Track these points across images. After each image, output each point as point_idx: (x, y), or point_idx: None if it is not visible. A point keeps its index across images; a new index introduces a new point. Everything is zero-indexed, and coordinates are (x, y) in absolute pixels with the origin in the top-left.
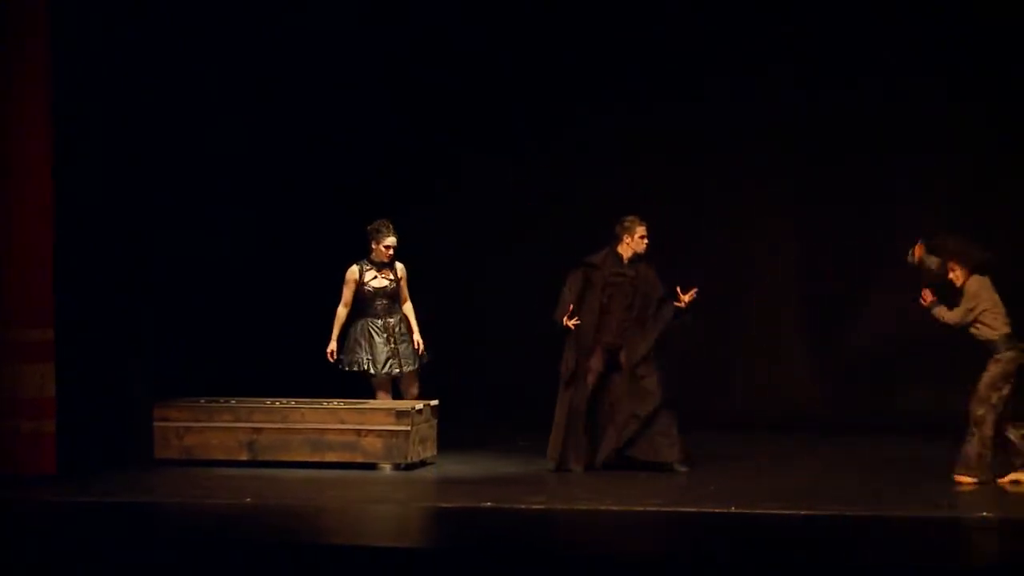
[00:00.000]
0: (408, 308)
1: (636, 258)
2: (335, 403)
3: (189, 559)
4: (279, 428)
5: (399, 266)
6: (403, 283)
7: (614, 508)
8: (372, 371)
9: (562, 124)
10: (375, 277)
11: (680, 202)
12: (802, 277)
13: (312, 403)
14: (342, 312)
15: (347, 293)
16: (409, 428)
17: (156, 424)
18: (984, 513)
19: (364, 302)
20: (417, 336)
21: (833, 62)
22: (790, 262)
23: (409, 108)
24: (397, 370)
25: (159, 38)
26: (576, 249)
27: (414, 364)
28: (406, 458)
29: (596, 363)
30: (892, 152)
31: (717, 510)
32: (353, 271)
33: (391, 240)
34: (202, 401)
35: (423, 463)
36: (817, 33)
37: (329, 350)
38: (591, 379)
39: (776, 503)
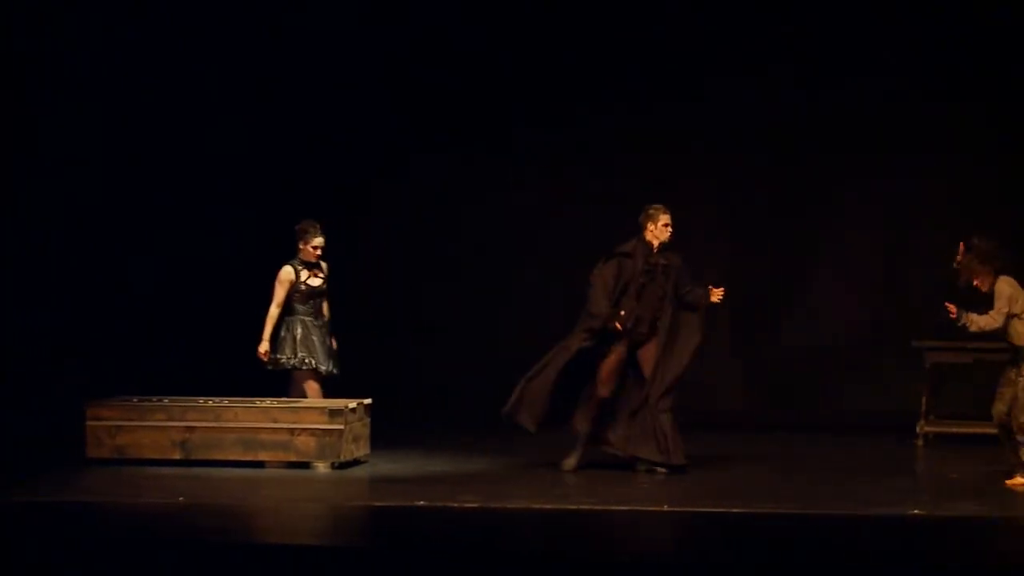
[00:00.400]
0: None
1: (663, 247)
2: (268, 402)
3: (121, 559)
4: (212, 427)
5: (325, 265)
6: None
7: (547, 507)
8: (319, 368)
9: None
10: (310, 276)
11: (608, 202)
12: (735, 279)
13: (245, 402)
14: (275, 312)
15: (282, 293)
16: (343, 427)
17: (88, 423)
18: (915, 511)
19: (298, 301)
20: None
21: (757, 64)
22: (723, 264)
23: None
24: (336, 369)
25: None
26: (511, 246)
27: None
28: (339, 457)
29: (621, 352)
30: (822, 152)
31: (651, 509)
32: (289, 271)
33: (319, 240)
34: (135, 400)
35: (356, 462)
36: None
37: (263, 350)
38: (615, 363)
39: (709, 501)
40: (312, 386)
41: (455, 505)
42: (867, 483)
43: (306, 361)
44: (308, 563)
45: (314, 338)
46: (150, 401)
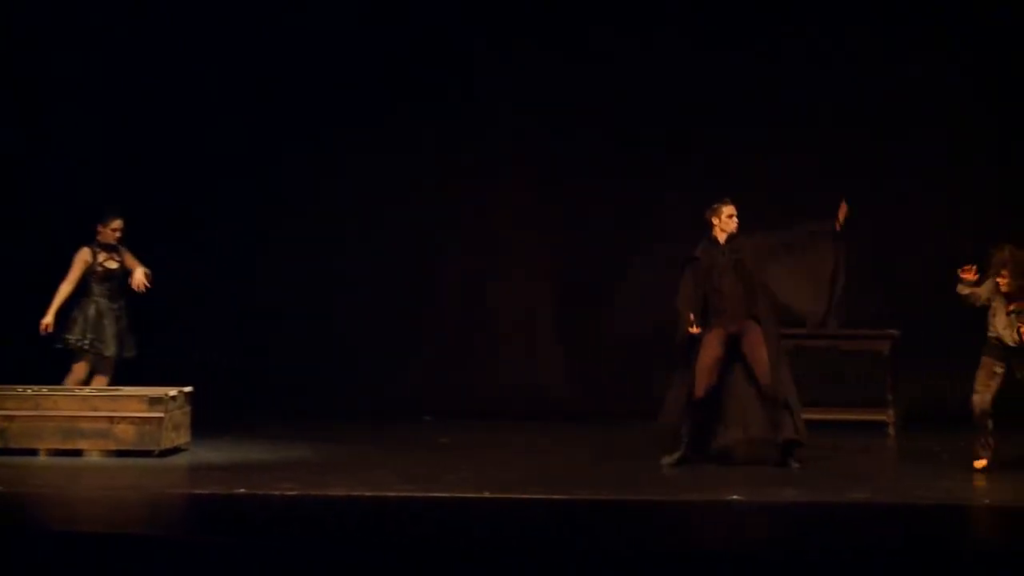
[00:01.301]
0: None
1: (731, 238)
2: (87, 390)
3: None
4: (31, 416)
5: (124, 250)
6: (132, 263)
7: (367, 494)
8: (106, 352)
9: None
10: (107, 259)
11: (431, 191)
12: (555, 270)
13: (64, 390)
14: (65, 289)
15: (75, 272)
16: (163, 415)
17: None
18: (735, 496)
19: (94, 283)
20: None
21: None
22: (544, 256)
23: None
24: (130, 353)
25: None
26: (335, 233)
27: (135, 350)
28: (159, 445)
29: (715, 350)
30: (645, 147)
31: (471, 496)
32: (85, 252)
33: (118, 223)
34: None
35: (177, 450)
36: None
37: (45, 323)
38: (709, 361)
39: (530, 488)
40: (80, 367)
41: (276, 493)
42: (688, 470)
43: (94, 344)
44: (128, 551)
45: (105, 321)
46: None
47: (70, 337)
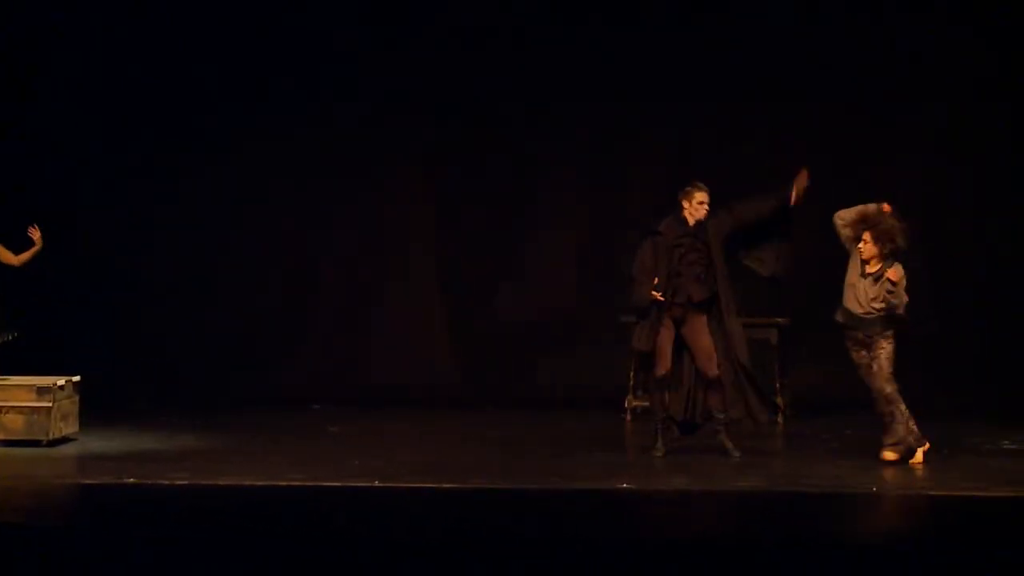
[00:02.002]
0: (19, 261)
1: (700, 223)
2: None
3: None
4: None
5: None
6: (1, 249)
7: (258, 483)
8: None
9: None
10: None
11: (325, 174)
12: (443, 256)
13: None
14: None
15: None
16: (51, 404)
17: None
18: (624, 484)
19: None
20: None
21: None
22: (430, 239)
23: None
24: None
25: None
26: (224, 218)
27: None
28: (48, 435)
29: (670, 330)
30: (535, 128)
31: (361, 484)
32: None
33: None
34: None
35: (65, 439)
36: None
37: None
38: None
39: (420, 477)
40: None
41: (165, 482)
42: (579, 459)
43: None
44: (15, 542)
45: None
46: None
47: None
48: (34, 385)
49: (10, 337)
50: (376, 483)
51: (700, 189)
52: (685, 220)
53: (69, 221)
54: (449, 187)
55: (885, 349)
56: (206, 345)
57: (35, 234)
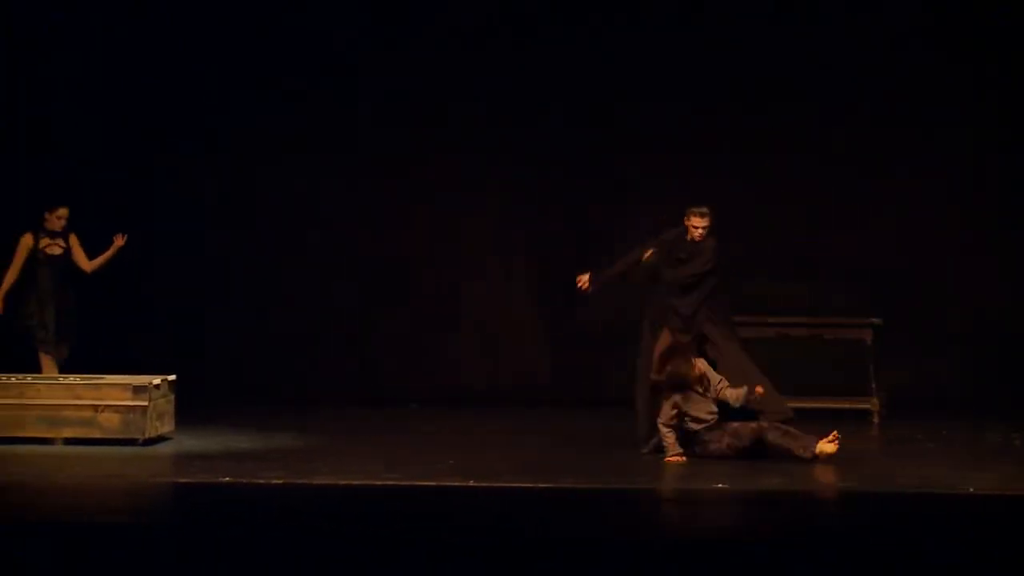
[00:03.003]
0: (89, 266)
1: (695, 242)
2: (72, 379)
3: None
4: (14, 404)
5: (72, 236)
6: (77, 251)
7: (354, 483)
8: (49, 351)
9: None
10: (51, 245)
11: (410, 177)
12: (532, 260)
13: (48, 379)
14: (10, 276)
15: (18, 259)
16: (147, 403)
17: None
18: (720, 485)
19: (37, 269)
20: None
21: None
22: (520, 245)
23: None
24: (70, 338)
25: None
26: (305, 225)
27: (75, 337)
28: (144, 434)
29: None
30: (622, 131)
31: (456, 484)
32: (28, 238)
33: (64, 211)
34: None
35: (161, 438)
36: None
37: None
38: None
39: (512, 476)
40: (45, 359)
41: (261, 481)
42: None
43: (39, 335)
44: (111, 540)
45: (50, 307)
46: None
47: (19, 322)
48: (130, 384)
49: (72, 342)
50: (471, 483)
51: (700, 215)
52: (684, 238)
53: (145, 219)
54: (538, 185)
55: None
56: (303, 344)
57: (119, 241)
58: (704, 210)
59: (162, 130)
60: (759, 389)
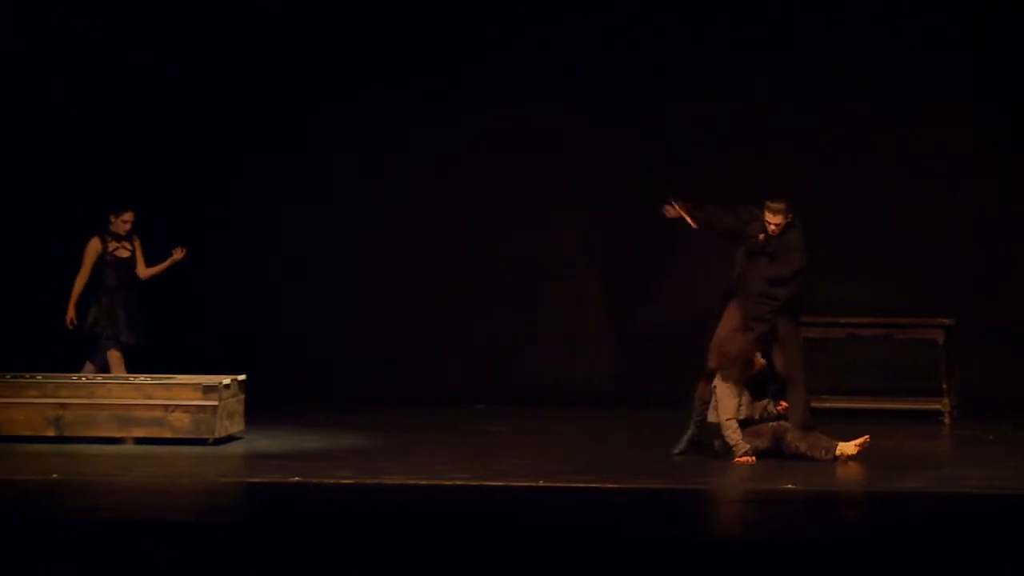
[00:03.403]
0: (145, 273)
1: (770, 236)
2: (142, 378)
3: None
4: (86, 404)
5: (136, 239)
6: (138, 254)
7: (422, 482)
8: (120, 339)
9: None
10: (118, 248)
11: (481, 175)
12: (602, 256)
13: (119, 378)
14: (81, 280)
15: (87, 262)
16: (217, 403)
17: None
18: (789, 485)
19: (104, 271)
20: None
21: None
22: (591, 241)
23: None
24: (141, 341)
25: None
26: (381, 225)
27: (145, 337)
28: (214, 433)
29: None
30: (697, 132)
31: (525, 484)
32: (95, 242)
33: (129, 215)
34: (7, 376)
35: (231, 438)
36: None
37: (68, 317)
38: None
39: (584, 476)
40: (113, 355)
41: (330, 481)
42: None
43: (107, 331)
44: (183, 540)
45: (119, 309)
46: (23, 378)
47: (85, 325)
48: (200, 384)
49: (142, 342)
50: (540, 483)
51: (772, 211)
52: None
53: (220, 219)
54: (609, 185)
55: None
56: (370, 343)
57: (178, 255)
58: (777, 206)
59: (224, 123)
60: (782, 404)
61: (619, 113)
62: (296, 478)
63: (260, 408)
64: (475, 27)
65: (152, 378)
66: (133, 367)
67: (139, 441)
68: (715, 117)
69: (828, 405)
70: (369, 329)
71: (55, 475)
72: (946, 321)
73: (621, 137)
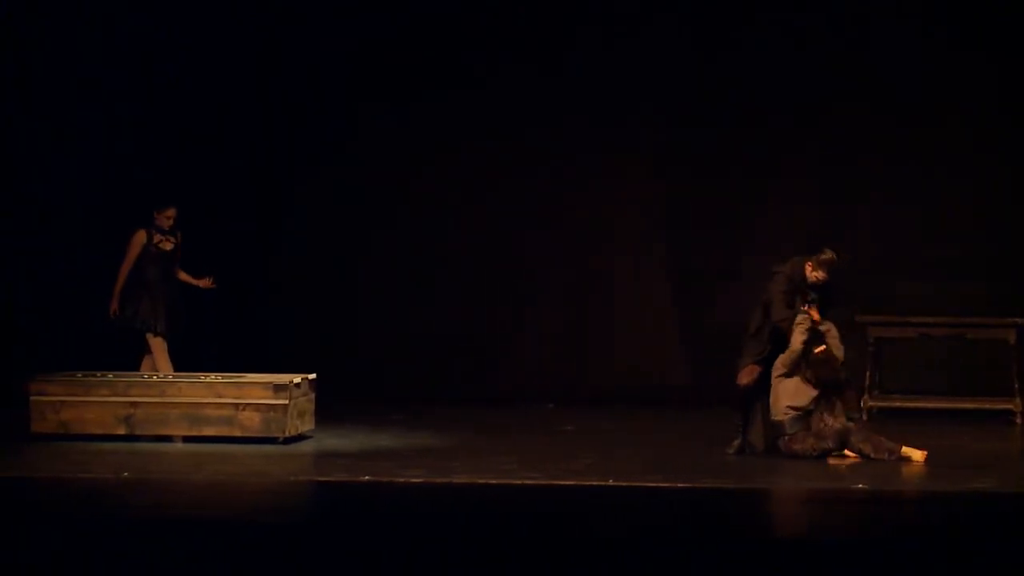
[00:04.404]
0: (180, 275)
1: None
2: (212, 377)
3: (65, 534)
4: (156, 403)
5: (178, 234)
6: (177, 252)
7: (492, 482)
8: (161, 331)
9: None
10: (162, 241)
11: (551, 174)
12: (673, 254)
13: (189, 377)
14: (125, 271)
15: (132, 254)
16: (287, 402)
17: (32, 398)
18: (860, 485)
19: (149, 264)
20: None
21: (709, 38)
22: (660, 239)
23: None
24: (178, 331)
25: None
26: (450, 224)
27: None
28: (284, 432)
29: None
30: (763, 124)
31: (595, 483)
32: (141, 234)
33: (172, 211)
34: (79, 375)
35: (301, 437)
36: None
37: (112, 308)
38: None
39: (653, 476)
40: (158, 345)
41: (400, 480)
42: (812, 459)
43: (149, 323)
44: (253, 538)
45: (161, 301)
46: (94, 376)
47: (128, 316)
48: (271, 382)
49: (179, 332)
50: (611, 482)
51: (815, 265)
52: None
53: (288, 215)
54: (678, 186)
55: None
56: (440, 343)
57: (205, 283)
58: (829, 257)
59: (305, 127)
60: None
61: (687, 112)
62: (366, 477)
63: (331, 407)
64: (562, 23)
65: (223, 377)
66: (200, 367)
67: (209, 440)
68: (784, 122)
69: (899, 405)
70: (441, 330)
71: (126, 473)
72: (1018, 321)
73: (687, 136)
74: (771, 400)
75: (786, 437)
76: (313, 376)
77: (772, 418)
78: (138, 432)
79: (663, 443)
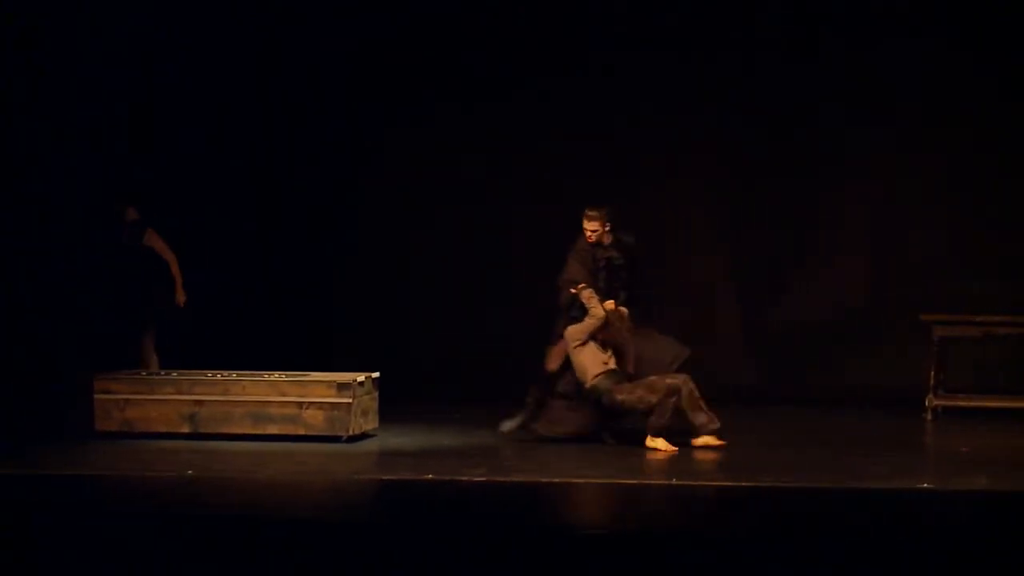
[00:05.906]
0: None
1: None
2: (276, 375)
3: (130, 532)
4: (220, 401)
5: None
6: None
7: (556, 480)
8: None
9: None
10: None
11: (613, 176)
12: (737, 252)
13: (253, 375)
14: (176, 262)
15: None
16: (351, 400)
17: (97, 396)
18: (926, 484)
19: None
20: None
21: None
22: (724, 237)
23: None
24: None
25: None
26: (513, 224)
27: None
28: (348, 430)
29: None
30: (821, 124)
31: (658, 482)
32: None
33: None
34: (143, 373)
35: (365, 435)
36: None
37: (182, 300)
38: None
39: (718, 475)
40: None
41: (463, 478)
42: (875, 457)
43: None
44: (317, 537)
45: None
46: (159, 374)
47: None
48: (334, 381)
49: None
50: (674, 481)
51: (588, 216)
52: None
53: (350, 216)
54: (741, 183)
55: None
56: (498, 342)
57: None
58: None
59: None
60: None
61: (749, 109)
62: (430, 475)
63: (394, 406)
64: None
65: (287, 375)
66: (271, 365)
67: (273, 438)
68: (841, 121)
69: (963, 404)
70: (502, 330)
71: (190, 471)
72: None
73: (750, 134)
74: (577, 371)
75: (610, 392)
76: (376, 375)
77: (585, 387)
78: (202, 430)
79: (729, 443)
